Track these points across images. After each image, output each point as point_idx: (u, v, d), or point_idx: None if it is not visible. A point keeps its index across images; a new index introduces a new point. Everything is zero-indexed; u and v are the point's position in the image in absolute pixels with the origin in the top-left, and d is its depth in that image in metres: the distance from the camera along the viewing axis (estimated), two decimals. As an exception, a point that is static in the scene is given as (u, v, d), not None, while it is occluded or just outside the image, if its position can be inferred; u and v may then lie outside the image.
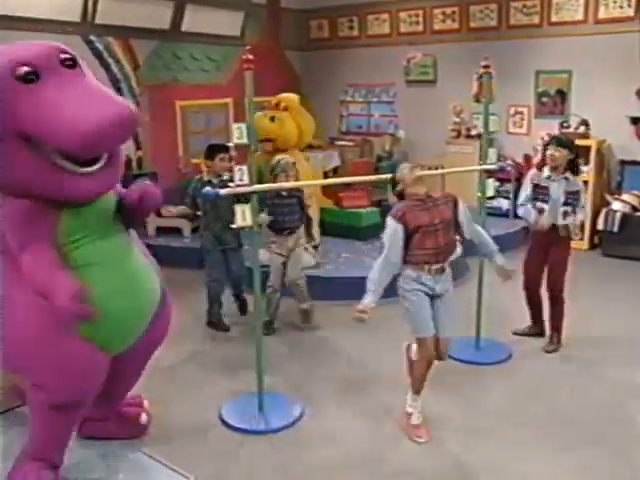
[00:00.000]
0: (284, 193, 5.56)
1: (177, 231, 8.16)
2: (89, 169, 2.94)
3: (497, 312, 5.76)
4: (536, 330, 5.40)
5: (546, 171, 5.00)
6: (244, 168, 3.90)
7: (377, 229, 7.81)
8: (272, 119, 6.98)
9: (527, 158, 8.84)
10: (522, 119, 9.15)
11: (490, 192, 4.91)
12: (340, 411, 4.24)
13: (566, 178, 4.94)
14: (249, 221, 3.92)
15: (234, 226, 3.97)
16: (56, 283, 2.84)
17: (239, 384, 4.51)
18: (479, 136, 9.04)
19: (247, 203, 3.92)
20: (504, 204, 8.81)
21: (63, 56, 2.94)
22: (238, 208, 3.91)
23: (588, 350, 5.13)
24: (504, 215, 8.74)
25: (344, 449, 3.82)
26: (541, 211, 4.97)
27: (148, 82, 8.51)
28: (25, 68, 2.82)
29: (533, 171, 5.18)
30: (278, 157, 5.62)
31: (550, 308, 5.18)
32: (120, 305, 3.17)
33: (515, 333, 5.42)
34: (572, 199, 4.93)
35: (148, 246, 7.63)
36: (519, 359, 4.97)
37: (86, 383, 3.21)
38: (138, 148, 8.60)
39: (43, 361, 3.09)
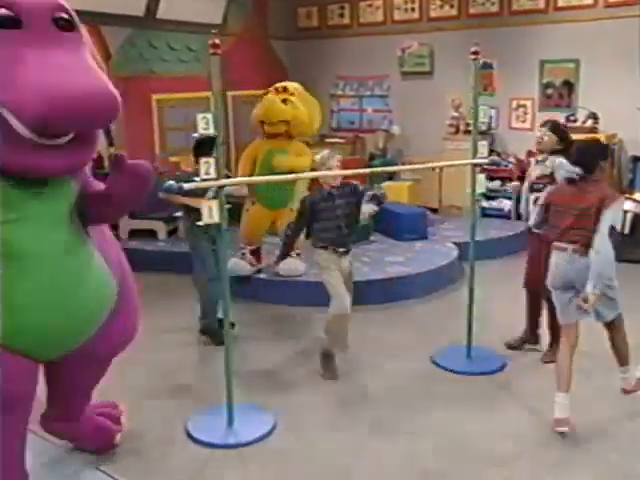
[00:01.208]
0: (333, 191, 4.74)
1: (152, 234, 8.17)
2: (50, 142, 2.77)
3: (491, 319, 5.78)
4: (531, 338, 5.34)
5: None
6: (211, 161, 3.92)
7: (368, 230, 7.88)
8: (284, 101, 6.61)
9: (530, 155, 8.85)
10: (525, 113, 9.19)
11: (481, 188, 4.91)
12: (316, 425, 4.25)
13: (543, 162, 4.94)
14: (216, 218, 3.94)
15: (200, 223, 3.99)
16: None
17: (210, 395, 4.52)
18: (480, 131, 9.15)
19: (215, 198, 3.95)
20: (506, 205, 8.82)
21: (58, 14, 2.78)
22: (205, 205, 3.93)
23: (591, 361, 5.09)
24: (506, 217, 8.76)
25: (318, 466, 3.82)
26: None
27: (121, 74, 8.53)
28: (3, 10, 2.65)
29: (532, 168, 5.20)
30: (318, 156, 4.96)
31: (548, 313, 5.16)
32: (47, 305, 3.01)
33: (509, 347, 5.33)
34: (543, 184, 4.88)
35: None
36: (514, 370, 4.98)
37: (10, 389, 3.04)
38: (110, 144, 8.58)
39: None
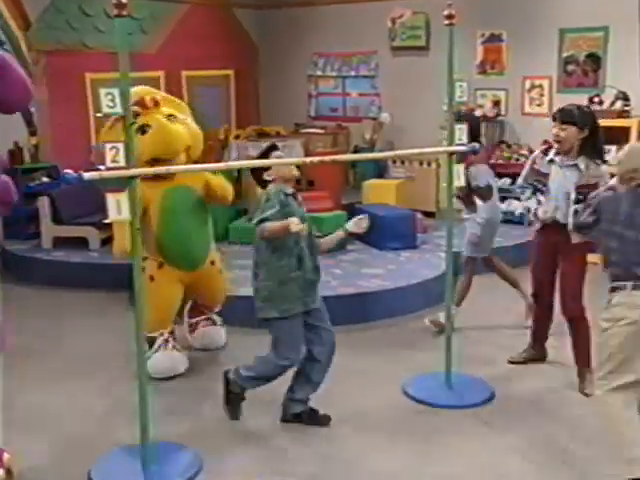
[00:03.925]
0: None
1: (82, 242, 8.21)
2: None
3: (485, 342, 5.87)
4: (535, 353, 5.54)
5: (550, 154, 5.09)
6: (119, 146, 3.97)
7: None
8: (171, 117, 5.53)
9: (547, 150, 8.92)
10: (541, 95, 9.27)
11: (459, 182, 4.97)
12: (247, 467, 4.27)
13: (577, 166, 4.95)
14: (125, 214, 3.98)
15: (107, 221, 4.03)
16: None
17: (123, 432, 4.53)
18: (485, 118, 9.25)
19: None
20: (517, 207, 8.86)
21: None
22: (111, 198, 3.96)
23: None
24: (517, 222, 8.79)
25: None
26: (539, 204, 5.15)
27: (44, 46, 8.64)
28: None
29: (536, 152, 5.30)
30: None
31: (571, 336, 5.21)
32: None
33: (512, 362, 5.56)
34: (584, 194, 4.83)
35: (42, 262, 7.81)
36: (504, 401, 4.99)
37: None
38: (32, 134, 8.69)
39: None
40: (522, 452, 4.36)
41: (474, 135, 5.70)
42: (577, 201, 4.94)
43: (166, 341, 5.51)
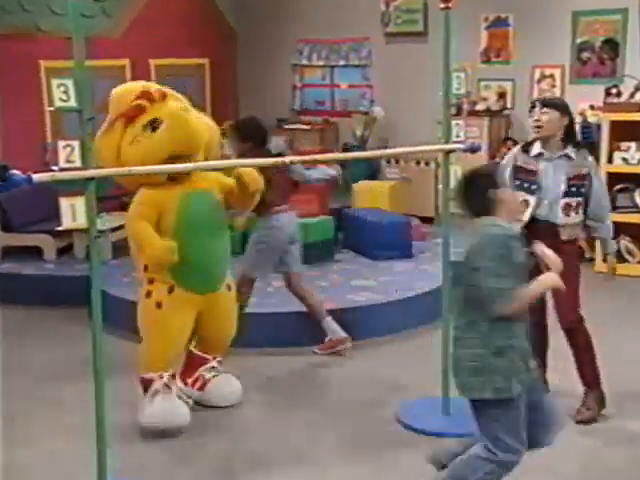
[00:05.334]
0: None
1: (35, 252, 8.20)
2: None
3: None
4: None
5: (536, 148, 5.12)
6: (74, 144, 3.98)
7: (329, 247, 7.93)
8: (184, 109, 5.17)
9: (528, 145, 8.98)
10: (552, 86, 9.33)
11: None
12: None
13: (567, 156, 5.03)
14: (82, 221, 3.98)
15: (60, 228, 4.03)
16: None
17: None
18: (489, 112, 9.31)
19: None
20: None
21: None
22: (65, 202, 3.96)
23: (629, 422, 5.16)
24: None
25: None
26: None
27: (-9, 30, 8.64)
28: None
29: (516, 149, 5.34)
30: None
31: (571, 349, 5.23)
32: None
33: None
34: (577, 186, 5.01)
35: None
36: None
37: None
38: (-20, 131, 8.69)
39: None
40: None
41: (262, 141, 6.21)
42: (566, 194, 5.03)
43: (167, 386, 4.97)
